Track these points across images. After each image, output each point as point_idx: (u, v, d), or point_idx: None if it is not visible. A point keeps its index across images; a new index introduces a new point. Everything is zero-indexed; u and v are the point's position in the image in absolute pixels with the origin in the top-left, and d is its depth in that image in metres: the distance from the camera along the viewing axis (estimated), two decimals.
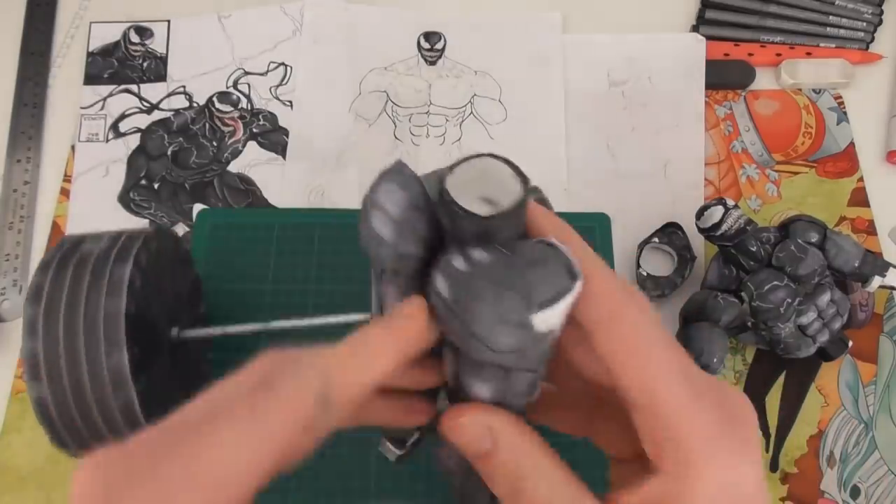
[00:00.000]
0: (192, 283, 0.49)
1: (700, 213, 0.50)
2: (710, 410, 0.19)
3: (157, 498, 0.14)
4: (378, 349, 0.19)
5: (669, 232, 0.55)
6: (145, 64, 0.63)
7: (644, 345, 0.20)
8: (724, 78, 0.62)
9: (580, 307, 0.20)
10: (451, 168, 0.21)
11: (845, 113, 0.61)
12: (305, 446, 0.16)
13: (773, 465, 0.48)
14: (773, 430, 0.49)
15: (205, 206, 0.57)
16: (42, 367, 0.34)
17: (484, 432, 0.20)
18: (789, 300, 0.46)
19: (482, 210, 0.20)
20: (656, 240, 0.54)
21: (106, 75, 0.63)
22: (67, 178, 0.59)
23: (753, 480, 0.19)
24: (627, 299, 0.20)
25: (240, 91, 0.62)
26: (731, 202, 0.49)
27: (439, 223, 0.22)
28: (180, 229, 0.56)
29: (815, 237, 0.48)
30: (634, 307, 0.20)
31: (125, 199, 0.58)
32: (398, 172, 0.22)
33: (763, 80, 0.62)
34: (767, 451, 0.49)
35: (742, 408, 0.20)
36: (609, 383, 0.21)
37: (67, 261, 0.37)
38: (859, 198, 0.57)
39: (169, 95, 0.62)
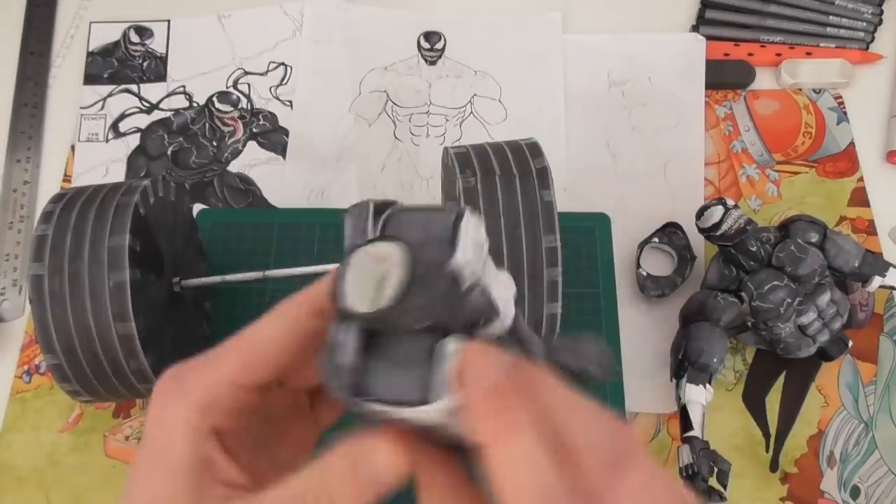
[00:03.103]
0: (196, 247, 0.51)
1: (700, 213, 0.50)
2: None
3: (206, 364, 0.22)
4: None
5: (669, 232, 0.55)
6: (145, 64, 0.63)
7: None
8: (724, 78, 0.62)
9: None
10: (346, 262, 0.21)
11: (845, 113, 0.61)
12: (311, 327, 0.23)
13: (774, 466, 0.48)
14: (773, 431, 0.49)
15: (205, 206, 0.57)
16: (45, 288, 0.38)
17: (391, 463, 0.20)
18: (789, 300, 0.46)
19: (366, 305, 0.20)
20: (656, 240, 0.54)
21: (106, 75, 0.63)
22: (67, 178, 0.59)
23: None
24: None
25: (240, 91, 0.62)
26: (731, 202, 0.49)
27: None
28: None
29: (815, 237, 0.48)
30: None
31: None
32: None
33: (763, 80, 0.62)
34: (768, 451, 0.49)
35: None
36: None
37: (77, 196, 0.41)
38: (859, 198, 0.57)
39: (169, 95, 0.62)
